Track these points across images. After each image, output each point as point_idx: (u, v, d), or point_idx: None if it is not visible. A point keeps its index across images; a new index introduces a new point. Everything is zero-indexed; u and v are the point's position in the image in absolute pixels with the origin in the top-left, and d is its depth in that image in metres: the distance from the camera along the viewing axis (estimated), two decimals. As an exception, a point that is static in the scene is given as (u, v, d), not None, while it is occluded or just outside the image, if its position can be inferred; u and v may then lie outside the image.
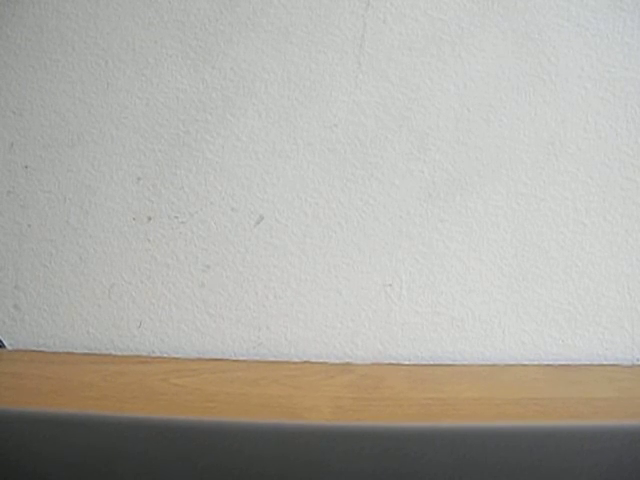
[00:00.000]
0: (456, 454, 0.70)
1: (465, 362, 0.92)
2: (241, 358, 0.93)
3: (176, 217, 0.94)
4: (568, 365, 0.91)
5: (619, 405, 0.80)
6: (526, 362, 0.92)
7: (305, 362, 0.92)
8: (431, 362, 0.92)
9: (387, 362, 0.92)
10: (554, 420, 0.76)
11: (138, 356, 0.93)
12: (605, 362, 0.92)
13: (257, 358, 0.93)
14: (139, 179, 0.94)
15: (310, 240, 0.94)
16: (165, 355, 0.94)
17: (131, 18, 0.94)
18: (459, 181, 0.93)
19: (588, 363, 0.92)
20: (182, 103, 0.94)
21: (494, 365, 0.91)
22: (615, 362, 0.92)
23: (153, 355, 0.94)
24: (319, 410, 0.77)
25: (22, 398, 0.79)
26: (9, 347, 0.94)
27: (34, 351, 0.93)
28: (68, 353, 0.93)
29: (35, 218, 0.95)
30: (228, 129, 0.94)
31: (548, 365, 0.91)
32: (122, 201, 0.94)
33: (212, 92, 0.94)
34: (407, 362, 0.92)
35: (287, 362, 0.92)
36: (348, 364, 0.91)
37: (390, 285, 0.93)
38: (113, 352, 0.94)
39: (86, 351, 0.94)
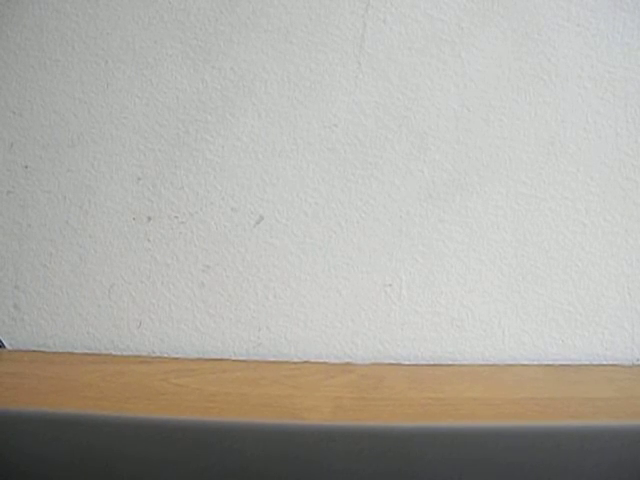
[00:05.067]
0: (456, 454, 0.70)
1: (465, 362, 0.92)
2: (241, 358, 0.93)
3: (176, 217, 0.94)
4: (568, 365, 0.91)
5: (619, 405, 0.79)
6: (526, 362, 0.92)
7: (305, 362, 0.92)
8: (431, 362, 0.92)
9: (387, 362, 0.92)
10: (554, 420, 0.76)
11: (138, 356, 0.93)
12: (605, 362, 0.92)
13: (257, 358, 0.93)
14: (139, 179, 0.94)
15: (310, 240, 0.94)
16: (165, 355, 0.94)
17: (131, 18, 0.94)
18: (459, 181, 0.93)
19: (588, 363, 0.92)
20: (182, 103, 0.94)
21: (494, 365, 0.91)
22: (615, 362, 0.92)
23: (153, 355, 0.94)
24: (319, 410, 0.77)
25: (22, 398, 0.79)
26: (9, 347, 0.94)
27: (34, 351, 0.93)
28: (68, 353, 0.93)
29: (35, 218, 0.95)
30: (228, 129, 0.94)
31: (548, 365, 0.91)
32: (122, 201, 0.94)
33: (212, 92, 0.94)
34: (407, 362, 0.92)
35: (287, 362, 0.92)
36: (348, 364, 0.91)
37: (390, 285, 0.93)
38: (113, 352, 0.94)
39: (86, 351, 0.94)
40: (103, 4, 0.94)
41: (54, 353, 0.93)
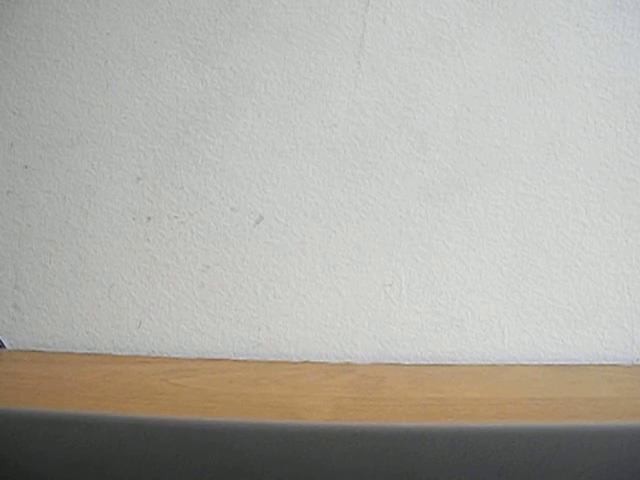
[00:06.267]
0: (456, 454, 0.70)
1: (465, 362, 0.92)
2: (241, 358, 0.93)
3: (176, 217, 0.94)
4: (568, 365, 0.91)
5: (619, 405, 0.80)
6: (526, 362, 0.92)
7: (305, 362, 0.92)
8: (431, 362, 0.92)
9: (387, 362, 0.92)
10: (554, 420, 0.76)
11: (138, 356, 0.93)
12: (605, 362, 0.92)
13: (257, 358, 0.93)
14: (139, 179, 0.94)
15: (310, 240, 0.94)
16: (165, 355, 0.94)
17: (131, 18, 0.94)
18: (459, 181, 0.93)
19: (588, 363, 0.92)
20: (182, 103, 0.94)
21: (494, 365, 0.91)
22: (615, 362, 0.92)
23: (153, 355, 0.94)
24: (319, 410, 0.77)
25: (22, 398, 0.79)
26: (9, 347, 0.94)
27: (34, 351, 0.93)
28: (68, 353, 0.93)
29: (35, 218, 0.95)
30: (228, 129, 0.94)
31: (548, 365, 0.91)
32: (122, 201, 0.94)
33: (212, 92, 0.94)
34: (407, 362, 0.92)
35: (287, 362, 0.92)
36: (348, 364, 0.91)
37: (390, 285, 0.93)
38: (113, 352, 0.94)
39: (86, 351, 0.94)
40: (103, 4, 0.94)
41: (54, 353, 0.93)
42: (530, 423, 0.74)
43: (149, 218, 0.94)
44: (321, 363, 0.92)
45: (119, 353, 0.94)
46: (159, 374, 0.85)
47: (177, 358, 0.92)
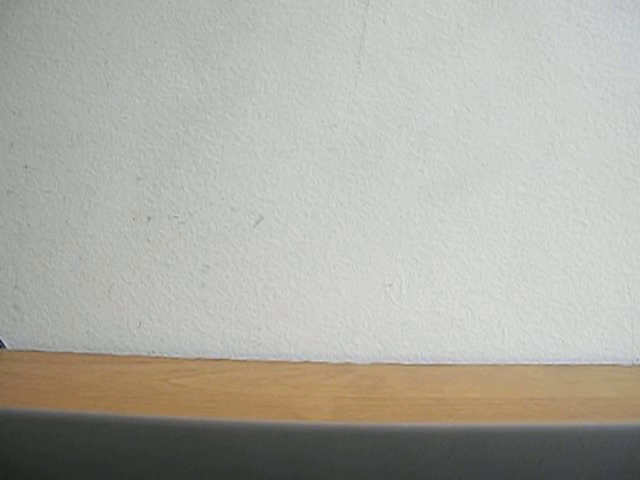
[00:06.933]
0: (456, 454, 0.70)
1: (465, 362, 0.92)
2: (241, 358, 0.93)
3: (176, 217, 0.94)
4: (568, 365, 0.91)
5: (619, 405, 0.80)
6: (526, 362, 0.92)
7: (305, 362, 0.92)
8: (431, 362, 0.92)
9: (387, 362, 0.92)
10: (554, 420, 0.76)
11: (138, 356, 0.93)
12: (605, 362, 0.92)
13: (257, 358, 0.93)
14: (139, 179, 0.94)
15: (310, 240, 0.94)
16: (165, 355, 0.94)
17: (131, 18, 0.94)
18: (459, 181, 0.93)
19: (588, 363, 0.92)
20: (182, 103, 0.94)
21: (494, 365, 0.91)
22: (615, 362, 0.92)
23: (153, 355, 0.94)
24: (319, 410, 0.77)
25: (22, 398, 0.79)
26: (9, 347, 0.94)
27: (34, 351, 0.93)
28: (68, 353, 0.93)
29: (35, 218, 0.95)
30: (228, 129, 0.94)
31: (548, 365, 0.91)
32: (122, 201, 0.95)
33: (212, 92, 0.94)
34: (407, 362, 0.92)
35: (287, 362, 0.92)
36: (348, 364, 0.91)
37: (390, 285, 0.93)
38: (113, 352, 0.94)
39: (86, 351, 0.94)
40: (103, 4, 0.94)
41: (54, 353, 0.93)
42: (530, 423, 0.74)
43: (149, 218, 0.94)
44: (321, 363, 0.92)
45: (119, 353, 0.94)
46: (159, 374, 0.85)
47: (177, 358, 0.92)
